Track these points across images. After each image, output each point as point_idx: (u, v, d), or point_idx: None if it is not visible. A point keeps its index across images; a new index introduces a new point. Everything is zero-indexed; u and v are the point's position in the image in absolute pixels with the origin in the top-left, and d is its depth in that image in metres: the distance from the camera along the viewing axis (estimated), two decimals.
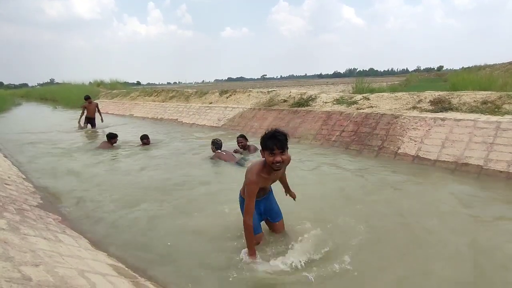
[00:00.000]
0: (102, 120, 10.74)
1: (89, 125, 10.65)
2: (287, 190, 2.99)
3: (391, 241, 2.86)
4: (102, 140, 7.66)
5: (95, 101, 11.06)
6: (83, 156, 6.68)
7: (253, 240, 2.43)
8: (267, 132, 2.34)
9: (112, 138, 7.35)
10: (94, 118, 10.61)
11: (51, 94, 28.24)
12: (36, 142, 8.52)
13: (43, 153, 7.07)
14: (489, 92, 6.33)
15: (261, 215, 2.76)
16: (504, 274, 2.34)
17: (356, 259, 2.49)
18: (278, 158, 2.27)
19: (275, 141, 2.25)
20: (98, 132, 10.14)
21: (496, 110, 5.56)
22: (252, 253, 2.43)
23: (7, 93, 33.87)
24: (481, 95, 6.17)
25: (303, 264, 2.41)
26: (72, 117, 15.61)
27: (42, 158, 6.54)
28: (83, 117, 10.56)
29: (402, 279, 2.34)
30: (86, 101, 10.50)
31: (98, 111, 10.71)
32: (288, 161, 2.39)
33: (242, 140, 6.12)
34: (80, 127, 10.54)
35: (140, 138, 7.53)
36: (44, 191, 4.32)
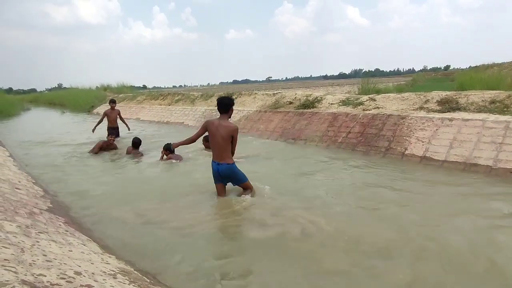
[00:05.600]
0: (128, 129, 9.31)
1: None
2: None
3: None
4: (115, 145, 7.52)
5: (117, 108, 9.43)
6: (94, 162, 6.72)
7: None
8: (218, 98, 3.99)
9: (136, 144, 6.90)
10: (117, 127, 9.16)
11: (59, 99, 28.60)
12: (46, 146, 8.61)
13: (53, 158, 7.12)
14: (498, 91, 6.25)
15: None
16: None
17: None
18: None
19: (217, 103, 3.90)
20: (120, 140, 8.78)
21: (505, 109, 5.50)
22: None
23: (16, 98, 34.39)
24: (489, 94, 6.10)
25: None
26: (77, 120, 15.83)
27: (52, 163, 6.60)
28: (100, 124, 8.90)
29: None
30: (110, 105, 9.09)
31: (121, 118, 9.26)
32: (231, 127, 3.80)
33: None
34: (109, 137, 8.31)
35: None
36: (54, 195, 4.37)
